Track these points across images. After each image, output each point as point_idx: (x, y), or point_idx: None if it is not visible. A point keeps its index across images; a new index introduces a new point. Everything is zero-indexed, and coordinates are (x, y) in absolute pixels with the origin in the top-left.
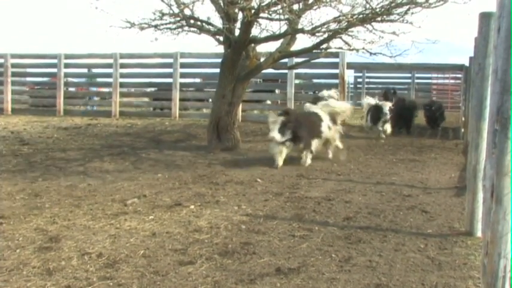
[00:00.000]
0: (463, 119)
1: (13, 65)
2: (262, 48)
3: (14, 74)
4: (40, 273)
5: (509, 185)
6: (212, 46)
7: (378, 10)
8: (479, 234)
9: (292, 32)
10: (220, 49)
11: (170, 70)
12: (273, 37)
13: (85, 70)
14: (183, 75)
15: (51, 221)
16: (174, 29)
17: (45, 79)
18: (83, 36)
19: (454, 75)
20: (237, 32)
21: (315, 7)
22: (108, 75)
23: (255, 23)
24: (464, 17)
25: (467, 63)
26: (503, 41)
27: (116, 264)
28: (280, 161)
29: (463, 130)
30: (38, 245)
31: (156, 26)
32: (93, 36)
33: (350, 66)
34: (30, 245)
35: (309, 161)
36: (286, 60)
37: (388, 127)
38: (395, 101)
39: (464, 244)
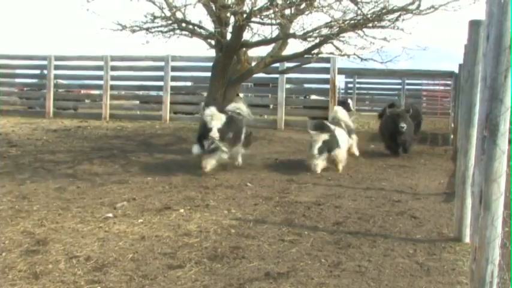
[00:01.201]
0: (453, 125)
1: (2, 66)
2: (254, 52)
3: (2, 75)
4: (26, 277)
5: (498, 191)
6: (204, 50)
7: (369, 16)
8: (467, 240)
9: (284, 36)
10: (212, 53)
11: (161, 73)
12: (265, 41)
13: (77, 72)
14: (174, 79)
15: (39, 224)
16: (166, 32)
17: (34, 80)
18: (85, 37)
19: (444, 81)
20: (228, 36)
21: (306, 12)
22: (99, 78)
23: (247, 27)
24: (454, 24)
25: (457, 70)
26: (492, 48)
27: (104, 267)
28: None
29: (452, 136)
30: (24, 248)
31: (147, 29)
32: (87, 38)
33: (341, 71)
34: (16, 248)
35: None
36: (277, 64)
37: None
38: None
39: (452, 250)
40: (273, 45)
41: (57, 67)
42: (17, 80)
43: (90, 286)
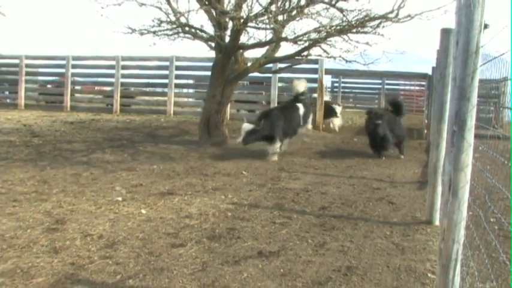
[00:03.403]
0: (426, 121)
1: (27, 65)
2: (250, 54)
3: (27, 73)
4: (48, 251)
5: (464, 179)
6: (205, 51)
7: (353, 23)
8: (437, 222)
9: (277, 40)
10: (212, 54)
11: (166, 72)
12: (260, 44)
13: (92, 70)
14: (177, 77)
15: (58, 205)
16: (171, 35)
17: (54, 78)
18: (99, 39)
19: (419, 82)
20: (227, 39)
21: (297, 18)
22: (111, 76)
23: (244, 31)
24: (428, 31)
25: (430, 72)
26: (461, 53)
27: (114, 245)
28: None
29: (426, 131)
30: (46, 226)
31: (154, 32)
32: (101, 40)
33: (328, 72)
34: (39, 226)
35: None
36: (271, 65)
37: None
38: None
39: (424, 231)
40: (267, 47)
41: (74, 66)
42: (39, 78)
43: (102, 261)
